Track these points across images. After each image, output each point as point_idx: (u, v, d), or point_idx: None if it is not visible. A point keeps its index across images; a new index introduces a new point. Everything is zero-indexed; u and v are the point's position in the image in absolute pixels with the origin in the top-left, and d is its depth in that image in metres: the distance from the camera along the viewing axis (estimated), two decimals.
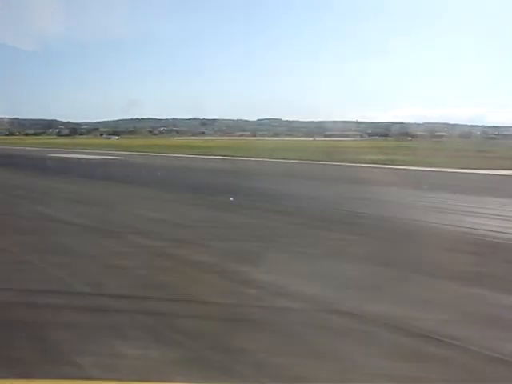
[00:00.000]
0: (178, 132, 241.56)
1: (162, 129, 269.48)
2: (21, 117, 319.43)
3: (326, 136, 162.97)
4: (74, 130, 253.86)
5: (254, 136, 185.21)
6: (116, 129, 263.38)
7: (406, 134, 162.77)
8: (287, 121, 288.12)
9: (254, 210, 16.30)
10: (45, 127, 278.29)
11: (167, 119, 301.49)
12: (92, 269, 9.41)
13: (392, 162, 35.39)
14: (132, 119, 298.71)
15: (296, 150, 44.58)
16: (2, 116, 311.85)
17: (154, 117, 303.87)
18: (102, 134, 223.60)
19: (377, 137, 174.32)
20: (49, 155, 42.45)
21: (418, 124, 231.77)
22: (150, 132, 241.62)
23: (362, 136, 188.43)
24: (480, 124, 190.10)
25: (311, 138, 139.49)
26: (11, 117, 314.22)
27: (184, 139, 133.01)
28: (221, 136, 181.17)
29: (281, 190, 20.39)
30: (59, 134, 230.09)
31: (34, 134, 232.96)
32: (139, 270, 9.39)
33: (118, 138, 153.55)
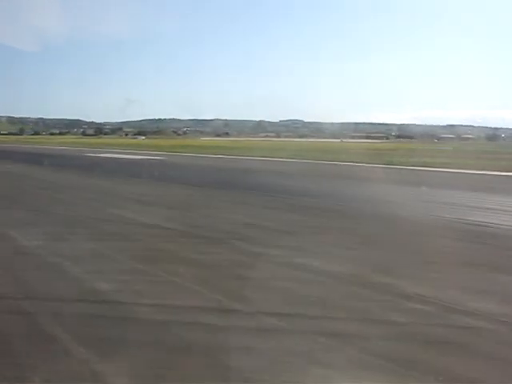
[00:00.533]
0: (200, 132, 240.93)
1: (185, 129, 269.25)
2: (45, 116, 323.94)
3: (351, 137, 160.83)
4: (99, 129, 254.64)
5: (279, 137, 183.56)
6: (139, 129, 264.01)
7: (432, 136, 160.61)
8: (309, 122, 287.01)
9: (338, 214, 15.12)
10: (69, 127, 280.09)
11: (190, 120, 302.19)
12: (224, 281, 8.30)
13: (445, 165, 33.92)
14: (154, 119, 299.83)
15: (333, 152, 43.23)
16: (27, 116, 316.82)
17: (177, 117, 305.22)
18: (126, 134, 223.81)
19: (402, 139, 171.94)
20: (87, 155, 41.61)
21: (443, 126, 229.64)
22: (174, 132, 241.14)
23: (387, 138, 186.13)
24: (504, 127, 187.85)
25: (338, 140, 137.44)
26: (36, 116, 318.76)
27: (210, 139, 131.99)
28: (245, 137, 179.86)
29: (353, 193, 19.17)
30: (84, 134, 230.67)
31: (60, 134, 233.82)
32: (274, 281, 8.25)
33: (144, 138, 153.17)
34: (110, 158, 37.95)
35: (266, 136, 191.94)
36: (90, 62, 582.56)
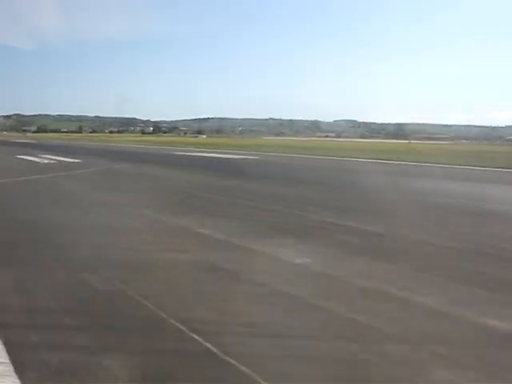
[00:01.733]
0: (255, 132, 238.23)
1: (240, 128, 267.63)
2: (102, 115, 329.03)
3: (415, 139, 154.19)
4: (158, 128, 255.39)
5: (340, 137, 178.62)
6: (192, 128, 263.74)
7: (492, 138, 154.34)
8: (363, 122, 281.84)
9: None
10: (125, 125, 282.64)
11: (244, 119, 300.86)
12: None
13: None
14: (208, 118, 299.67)
15: (424, 154, 37.92)
16: (85, 114, 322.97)
17: (231, 117, 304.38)
18: (185, 133, 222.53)
19: (464, 140, 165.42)
20: (182, 154, 37.66)
21: (502, 127, 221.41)
22: (232, 131, 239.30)
23: (452, 139, 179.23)
24: None
25: (406, 141, 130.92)
26: (93, 115, 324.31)
27: (272, 139, 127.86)
28: (304, 137, 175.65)
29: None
30: (143, 132, 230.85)
31: (118, 132, 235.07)
32: None
33: (205, 136, 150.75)
34: (212, 157, 34.07)
35: (326, 136, 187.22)
36: (143, 60, 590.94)
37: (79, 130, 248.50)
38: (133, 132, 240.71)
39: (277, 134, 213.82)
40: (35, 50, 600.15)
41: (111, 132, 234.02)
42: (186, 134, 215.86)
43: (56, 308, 4.81)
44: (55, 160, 27.85)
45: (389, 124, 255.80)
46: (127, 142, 77.12)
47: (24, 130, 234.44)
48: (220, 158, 33.18)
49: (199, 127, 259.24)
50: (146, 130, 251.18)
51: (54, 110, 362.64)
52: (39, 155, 32.22)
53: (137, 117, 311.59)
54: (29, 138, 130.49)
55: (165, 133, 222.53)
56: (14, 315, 4.65)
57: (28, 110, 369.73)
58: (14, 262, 6.50)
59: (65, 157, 30.43)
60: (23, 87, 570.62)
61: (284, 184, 17.00)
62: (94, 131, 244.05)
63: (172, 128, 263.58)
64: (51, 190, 14.97)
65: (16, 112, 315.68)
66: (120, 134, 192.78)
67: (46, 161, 27.46)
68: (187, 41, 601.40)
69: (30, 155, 32.54)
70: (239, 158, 31.60)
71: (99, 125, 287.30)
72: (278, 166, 27.53)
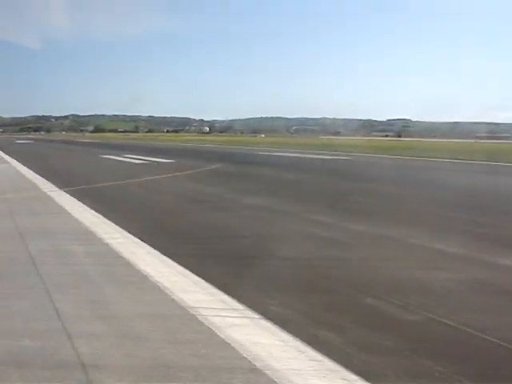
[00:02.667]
0: (310, 131, 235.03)
1: (294, 128, 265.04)
2: (155, 114, 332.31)
3: (478, 138, 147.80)
4: (213, 127, 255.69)
5: (400, 136, 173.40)
6: (245, 127, 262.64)
7: None
8: (418, 121, 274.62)
9: None
10: (179, 125, 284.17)
11: (296, 118, 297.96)
12: None
13: None
14: (262, 118, 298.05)
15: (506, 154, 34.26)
16: (139, 114, 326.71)
17: (285, 116, 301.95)
18: (242, 132, 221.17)
19: None
20: (264, 153, 35.56)
21: None
22: (286, 130, 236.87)
23: None
24: None
25: (472, 140, 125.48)
26: (146, 115, 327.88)
27: (335, 138, 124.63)
28: (361, 136, 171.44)
29: None
30: (200, 132, 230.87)
31: (175, 131, 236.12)
32: None
33: (263, 135, 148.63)
34: (302, 157, 31.86)
35: (386, 135, 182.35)
36: (197, 59, 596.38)
37: (136, 130, 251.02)
38: (188, 131, 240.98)
39: (333, 133, 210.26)
40: (86, 50, 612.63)
41: (167, 131, 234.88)
42: (242, 133, 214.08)
43: None
44: (147, 160, 26.43)
45: (444, 123, 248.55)
46: (190, 141, 75.86)
47: (82, 130, 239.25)
48: (312, 158, 30.84)
49: (252, 126, 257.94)
50: (202, 129, 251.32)
51: (109, 110, 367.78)
52: (123, 155, 30.95)
53: (190, 116, 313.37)
54: (88, 137, 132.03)
55: (221, 132, 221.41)
56: None
57: (84, 111, 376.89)
58: None
59: (151, 157, 29.05)
60: (79, 88, 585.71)
61: (454, 191, 14.47)
62: (149, 131, 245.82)
63: (226, 127, 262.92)
64: (192, 192, 13.74)
65: (72, 113, 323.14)
66: (176, 134, 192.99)
67: (137, 161, 26.09)
68: (238, 40, 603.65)
69: (113, 155, 31.39)
70: (333, 159, 29.29)
71: (153, 124, 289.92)
72: (390, 168, 24.88)
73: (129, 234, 7.48)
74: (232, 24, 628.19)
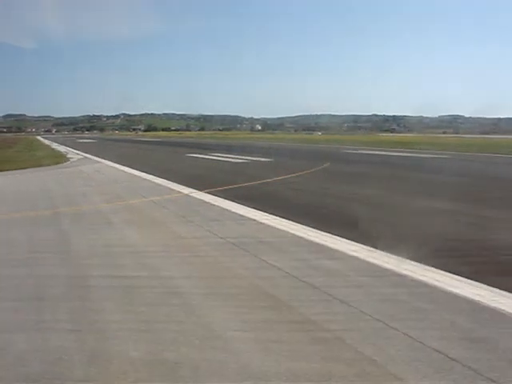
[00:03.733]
0: (361, 128, 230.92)
1: (346, 125, 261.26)
2: (205, 113, 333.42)
3: None
4: (266, 125, 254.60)
5: (458, 133, 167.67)
6: (295, 124, 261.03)
7: None
8: (470, 117, 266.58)
9: None
10: (229, 123, 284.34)
11: (348, 115, 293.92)
12: None
13: None
14: (311, 115, 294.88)
15: None
16: (189, 112, 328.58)
17: (333, 113, 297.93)
18: (296, 130, 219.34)
19: None
20: (368, 153, 33.41)
21: None
22: (339, 127, 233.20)
23: None
24: None
25: None
26: (196, 113, 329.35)
27: (389, 135, 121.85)
28: (416, 133, 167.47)
29: None
30: (252, 130, 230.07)
31: (226, 129, 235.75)
32: None
33: (320, 133, 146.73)
34: (421, 158, 28.93)
35: (444, 132, 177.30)
36: (244, 58, 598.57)
37: (188, 128, 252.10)
38: (239, 129, 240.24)
39: (387, 131, 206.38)
40: (139, 49, 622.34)
41: (220, 130, 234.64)
42: (296, 130, 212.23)
43: None
44: (244, 159, 25.04)
45: (497, 119, 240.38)
46: (253, 139, 74.56)
47: (134, 129, 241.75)
48: (416, 157, 28.54)
49: (302, 124, 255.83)
50: (254, 127, 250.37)
51: (159, 109, 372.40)
52: (208, 154, 29.85)
53: (240, 115, 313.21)
54: (147, 136, 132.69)
55: (274, 130, 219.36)
56: None
57: (134, 110, 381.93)
58: None
59: (243, 155, 27.71)
60: (129, 88, 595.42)
61: None
62: (201, 129, 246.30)
63: (277, 125, 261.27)
64: (352, 195, 12.21)
65: (123, 112, 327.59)
66: (229, 132, 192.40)
67: (234, 160, 24.76)
68: (283, 40, 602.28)
69: (197, 154, 30.30)
70: (441, 158, 27.12)
71: (203, 123, 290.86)
72: None
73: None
74: (281, 23, 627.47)
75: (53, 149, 42.93)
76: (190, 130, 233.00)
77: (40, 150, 41.61)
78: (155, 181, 14.68)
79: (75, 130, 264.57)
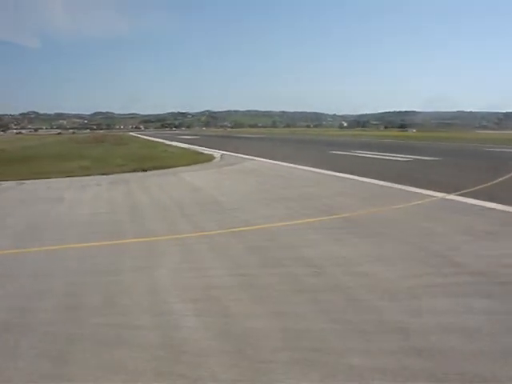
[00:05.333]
0: (448, 125, 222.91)
1: (433, 122, 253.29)
2: (287, 110, 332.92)
3: None
4: (356, 122, 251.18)
5: None
6: (380, 121, 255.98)
7: None
8: None
9: None
10: (311, 119, 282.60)
11: (431, 112, 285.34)
12: None
13: None
14: (396, 112, 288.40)
15: None
16: (271, 109, 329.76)
17: (417, 109, 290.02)
18: (386, 127, 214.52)
19: None
20: None
21: None
22: (427, 124, 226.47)
23: None
24: None
25: None
26: (278, 110, 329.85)
27: (488, 133, 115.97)
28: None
29: None
30: (341, 127, 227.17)
31: (307, 126, 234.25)
32: None
33: (414, 130, 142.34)
34: None
35: None
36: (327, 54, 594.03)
37: (274, 125, 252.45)
38: (324, 126, 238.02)
39: (478, 128, 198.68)
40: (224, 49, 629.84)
41: (308, 126, 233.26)
42: (386, 127, 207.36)
43: None
44: (403, 157, 23.55)
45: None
46: (352, 136, 72.44)
47: (222, 126, 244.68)
48: None
49: (387, 121, 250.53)
50: (341, 124, 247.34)
51: (242, 106, 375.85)
52: (352, 151, 28.62)
53: (321, 111, 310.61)
54: (233, 132, 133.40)
55: (363, 127, 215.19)
56: None
57: (217, 107, 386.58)
58: None
59: (390, 153, 26.14)
60: (212, 86, 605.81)
61: None
62: (287, 125, 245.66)
63: (363, 122, 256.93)
64: None
65: (207, 109, 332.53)
66: (317, 129, 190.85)
67: (394, 158, 23.36)
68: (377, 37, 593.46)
69: (341, 151, 28.96)
70: None
71: (287, 119, 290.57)
72: None
73: None
74: (357, 21, 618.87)
75: (173, 145, 42.77)
76: (276, 127, 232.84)
77: (159, 146, 41.53)
78: (366, 181, 13.58)
79: (163, 126, 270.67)
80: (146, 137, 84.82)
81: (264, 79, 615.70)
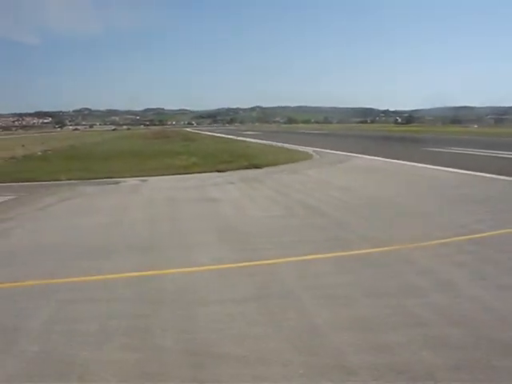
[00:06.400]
0: (504, 120, 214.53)
1: (488, 117, 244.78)
2: (338, 105, 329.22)
3: None
4: (410, 118, 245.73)
5: None
6: (433, 117, 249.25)
7: None
8: None
9: None
10: (362, 115, 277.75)
11: (486, 107, 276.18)
12: None
13: None
14: (449, 108, 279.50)
15: None
16: (321, 105, 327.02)
17: (470, 104, 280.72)
18: (444, 123, 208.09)
19: None
20: None
21: None
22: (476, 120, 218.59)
23: None
24: None
25: None
26: (328, 106, 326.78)
27: None
28: None
29: None
30: (396, 123, 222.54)
31: (361, 122, 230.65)
32: None
33: (476, 126, 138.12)
34: None
35: None
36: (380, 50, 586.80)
37: (326, 121, 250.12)
38: (377, 122, 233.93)
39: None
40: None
41: (363, 122, 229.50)
42: (444, 123, 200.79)
43: None
44: None
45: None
46: (420, 132, 69.98)
47: (274, 121, 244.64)
48: None
49: (441, 116, 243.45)
50: (397, 120, 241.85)
51: (292, 102, 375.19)
52: (449, 148, 27.18)
53: (373, 107, 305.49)
54: (284, 127, 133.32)
55: (421, 123, 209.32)
56: None
57: (267, 103, 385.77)
58: None
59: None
60: (261, 82, 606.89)
61: None
62: (339, 122, 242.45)
63: (416, 118, 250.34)
64: None
65: (257, 105, 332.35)
66: (371, 125, 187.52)
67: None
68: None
69: (436, 148, 27.63)
70: None
71: (338, 115, 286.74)
72: None
73: None
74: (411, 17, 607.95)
75: (247, 141, 42.24)
76: (330, 123, 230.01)
77: (234, 142, 41.24)
78: None
79: (214, 122, 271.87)
80: (206, 132, 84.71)
81: (314, 75, 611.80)
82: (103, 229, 8.38)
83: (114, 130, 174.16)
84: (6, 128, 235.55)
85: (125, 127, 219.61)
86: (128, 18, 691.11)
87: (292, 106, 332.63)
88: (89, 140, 60.56)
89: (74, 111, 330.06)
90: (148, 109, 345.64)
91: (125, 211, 10.14)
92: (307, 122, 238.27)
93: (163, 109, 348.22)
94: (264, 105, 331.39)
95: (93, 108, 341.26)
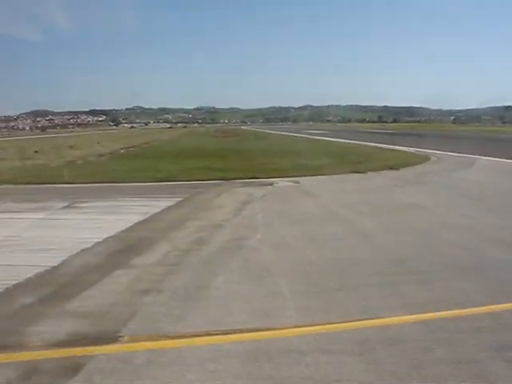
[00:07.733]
0: None
1: None
2: (389, 104, 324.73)
3: None
4: (468, 117, 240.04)
5: None
6: (487, 115, 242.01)
7: None
8: None
9: None
10: (411, 114, 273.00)
11: None
12: None
13: None
14: (495, 107, 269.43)
15: None
16: (372, 104, 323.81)
17: None
18: (504, 122, 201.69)
19: None
20: None
21: None
22: None
23: None
24: None
25: None
26: (380, 105, 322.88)
27: None
28: None
29: None
30: (454, 122, 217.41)
31: (416, 122, 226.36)
32: None
33: None
34: None
35: None
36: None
37: (379, 120, 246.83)
38: (432, 121, 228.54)
39: None
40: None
41: (418, 122, 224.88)
42: (504, 123, 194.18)
43: None
44: None
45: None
46: (486, 131, 67.92)
47: (328, 120, 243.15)
48: None
49: (497, 115, 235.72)
50: (444, 119, 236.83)
51: (343, 101, 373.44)
52: None
53: (424, 106, 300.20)
54: (343, 126, 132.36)
55: (481, 122, 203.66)
56: None
57: (318, 102, 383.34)
58: None
59: None
60: (313, 82, 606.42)
61: None
62: (394, 121, 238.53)
63: (473, 117, 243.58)
64: None
65: (308, 103, 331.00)
66: (427, 124, 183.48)
67: None
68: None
69: None
70: None
71: (390, 114, 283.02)
72: None
73: None
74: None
75: (338, 141, 41.05)
76: (386, 122, 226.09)
77: (323, 141, 40.31)
78: None
79: (267, 120, 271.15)
80: (266, 131, 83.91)
81: (366, 74, 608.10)
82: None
83: (170, 127, 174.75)
84: (63, 126, 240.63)
85: (180, 125, 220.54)
86: (188, 17, 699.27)
87: (343, 104, 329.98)
88: (158, 137, 59.80)
89: (126, 109, 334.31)
90: (199, 107, 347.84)
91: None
92: (362, 121, 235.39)
93: (214, 107, 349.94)
94: (314, 104, 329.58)
95: (145, 106, 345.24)
